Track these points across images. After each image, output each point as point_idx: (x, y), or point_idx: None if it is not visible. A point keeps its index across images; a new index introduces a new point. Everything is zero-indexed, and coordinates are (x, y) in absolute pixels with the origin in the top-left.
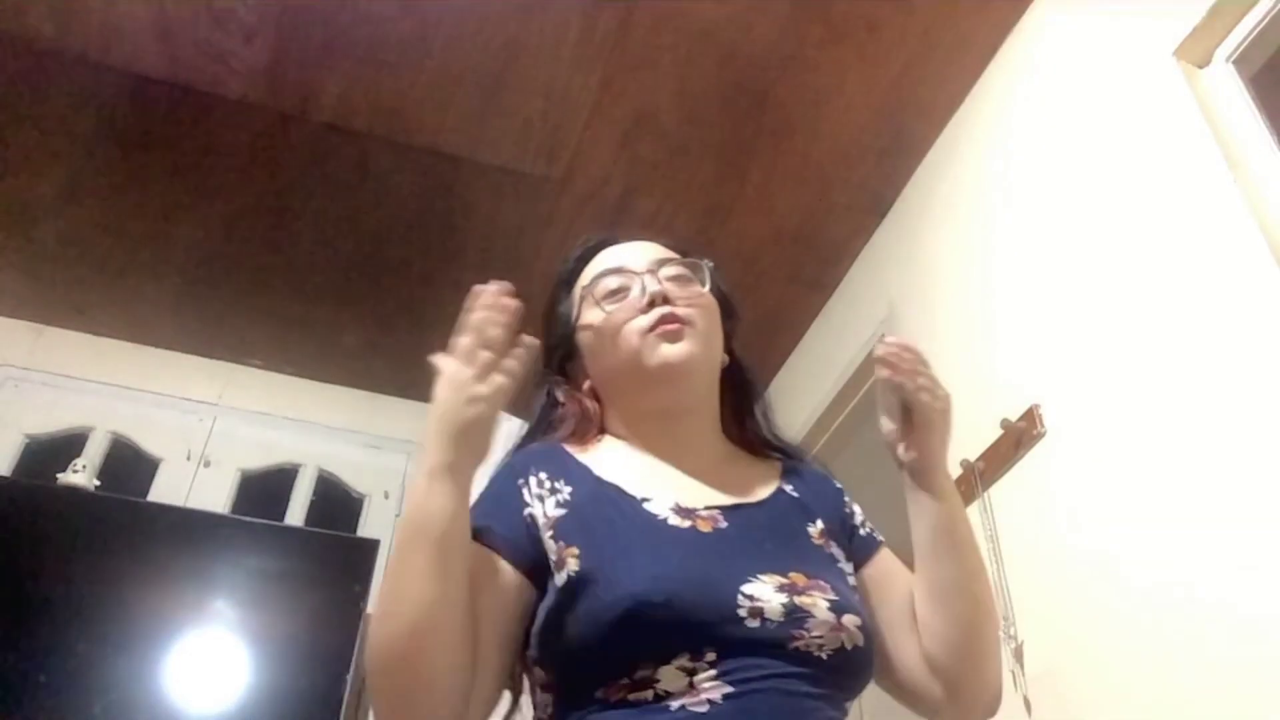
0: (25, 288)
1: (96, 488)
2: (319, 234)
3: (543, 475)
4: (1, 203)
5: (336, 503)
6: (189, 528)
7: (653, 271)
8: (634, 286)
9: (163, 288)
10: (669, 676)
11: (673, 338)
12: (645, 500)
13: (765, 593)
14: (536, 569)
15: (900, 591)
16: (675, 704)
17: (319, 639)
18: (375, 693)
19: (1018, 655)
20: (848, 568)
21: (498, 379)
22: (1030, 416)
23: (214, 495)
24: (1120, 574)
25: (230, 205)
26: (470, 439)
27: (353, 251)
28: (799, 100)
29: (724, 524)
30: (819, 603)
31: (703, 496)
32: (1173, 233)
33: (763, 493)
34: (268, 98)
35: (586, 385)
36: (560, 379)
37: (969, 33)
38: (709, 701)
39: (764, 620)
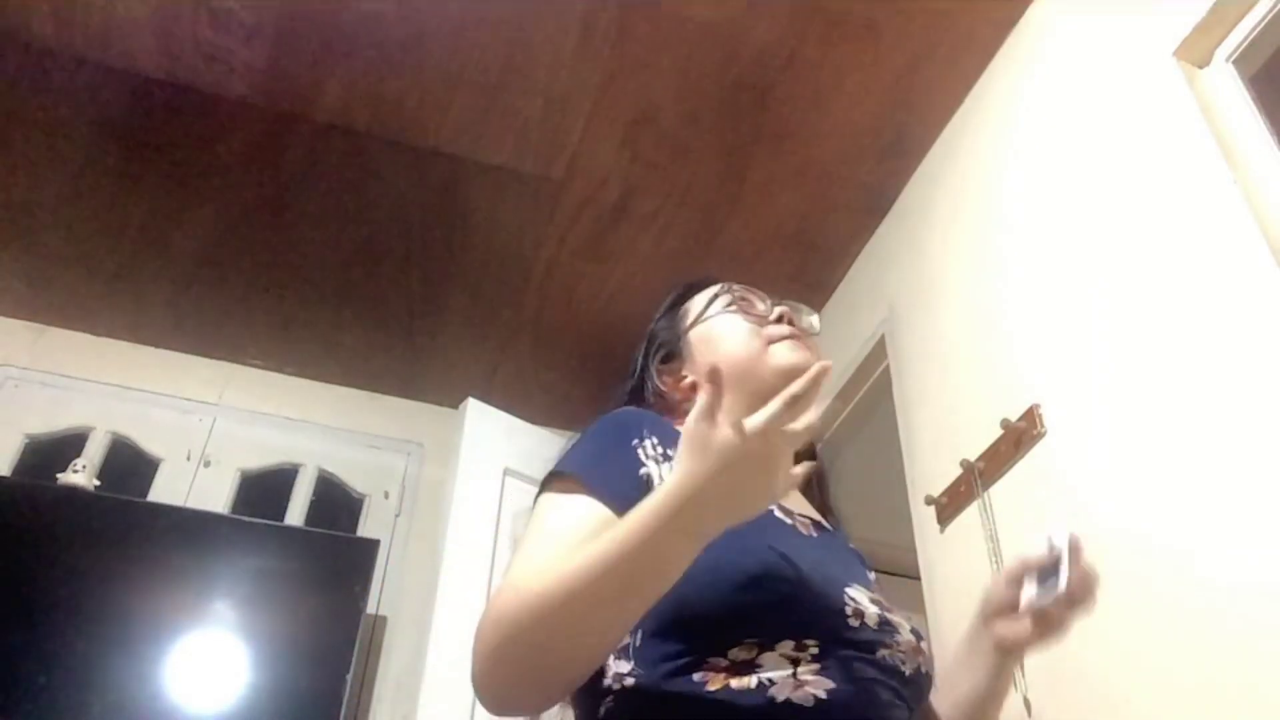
0: (25, 288)
1: (96, 488)
2: (319, 234)
3: (654, 439)
4: (2, 203)
5: (336, 503)
6: (189, 528)
7: (776, 302)
8: (759, 305)
9: (163, 288)
10: (772, 662)
11: (797, 347)
12: None
13: (862, 599)
14: None
15: None
16: (780, 696)
17: (319, 639)
18: (502, 662)
19: None
20: None
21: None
22: (1030, 416)
23: (214, 495)
24: (1120, 574)
25: (230, 205)
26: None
27: (353, 252)
28: (799, 100)
29: (814, 533)
30: (902, 622)
31: (797, 504)
32: (1173, 233)
33: (831, 526)
34: (268, 98)
35: (687, 380)
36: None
37: (969, 32)
38: (814, 697)
39: (863, 623)
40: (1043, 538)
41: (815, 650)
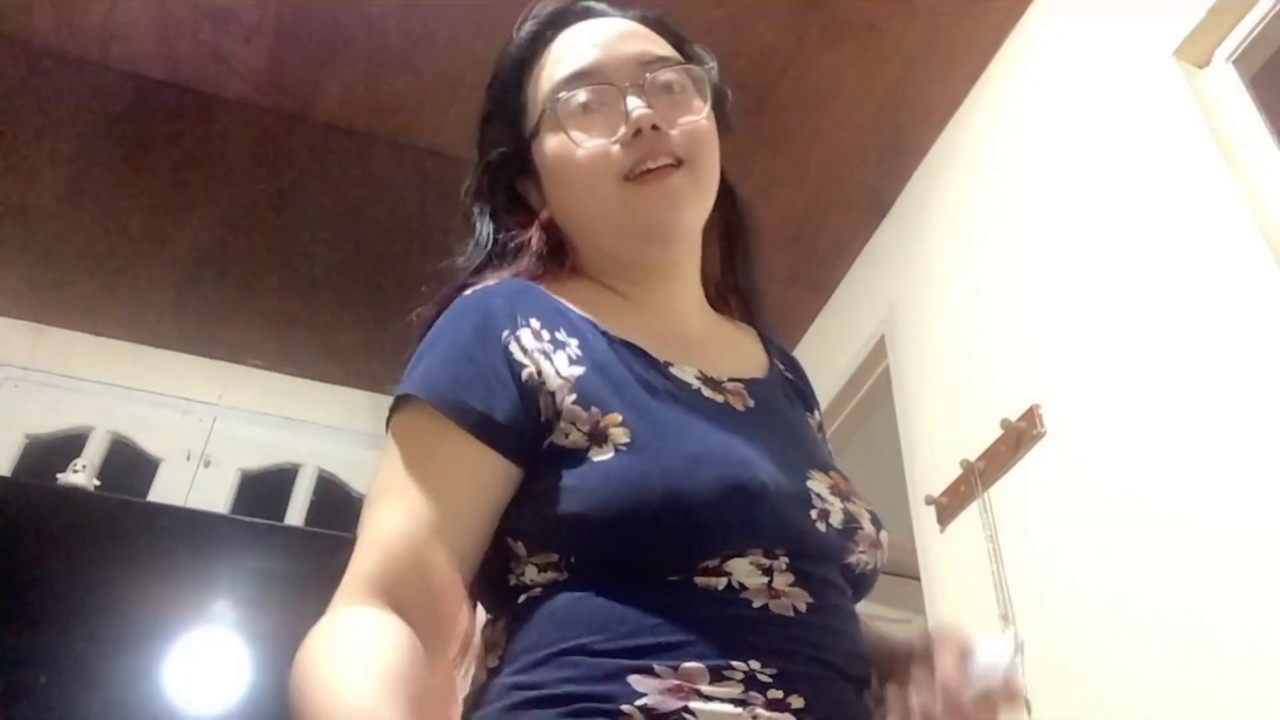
0: (25, 288)
1: (96, 488)
2: (319, 234)
3: (534, 324)
4: (2, 203)
5: (336, 503)
6: (189, 528)
7: (638, 83)
8: (611, 104)
9: (163, 288)
10: (742, 570)
11: (664, 189)
12: (669, 365)
13: (825, 493)
14: (534, 445)
15: None
16: (758, 602)
17: None
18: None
19: (1018, 655)
20: None
21: None
22: (1030, 416)
23: (214, 495)
24: (1120, 573)
25: (231, 205)
26: None
27: (353, 251)
28: (799, 100)
29: (751, 403)
30: (863, 513)
31: (718, 364)
32: (1172, 232)
33: (761, 366)
34: (268, 98)
35: (545, 215)
36: (509, 200)
37: (969, 33)
38: (794, 609)
39: (828, 525)
40: (995, 639)
41: (785, 560)
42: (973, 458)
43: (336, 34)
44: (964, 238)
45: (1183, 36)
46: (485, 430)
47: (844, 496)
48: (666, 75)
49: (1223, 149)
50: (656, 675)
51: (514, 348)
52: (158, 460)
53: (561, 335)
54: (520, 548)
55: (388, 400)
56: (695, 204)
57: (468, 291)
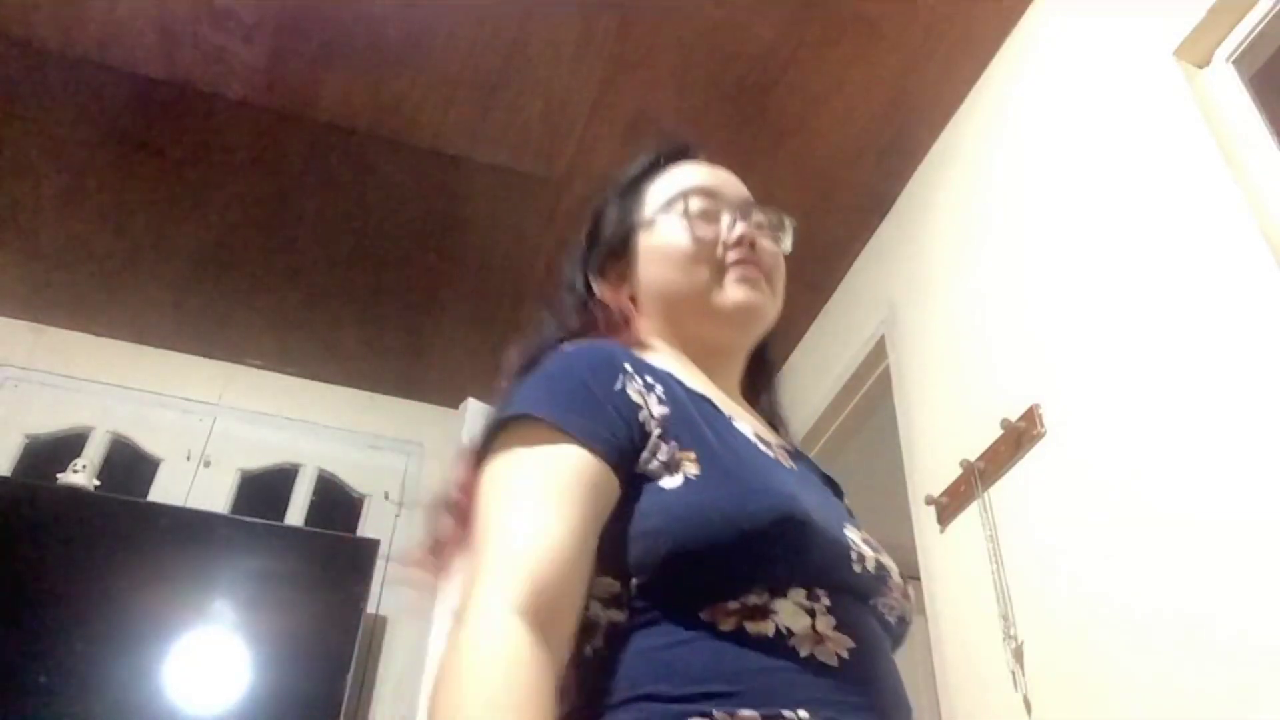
0: (25, 288)
1: (96, 488)
2: (319, 234)
3: (633, 369)
4: (2, 203)
5: (336, 503)
6: (189, 528)
7: (744, 212)
8: (724, 216)
9: (163, 288)
10: (788, 611)
11: (752, 284)
12: (732, 418)
13: (859, 541)
14: (628, 473)
15: None
16: (804, 650)
17: (319, 639)
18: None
19: (1018, 655)
20: None
21: None
22: (1030, 416)
23: (214, 495)
24: (1120, 574)
25: (230, 205)
26: None
27: (353, 251)
28: (799, 100)
29: (794, 465)
30: (892, 565)
31: (766, 433)
32: (1172, 233)
33: (791, 446)
34: (268, 98)
35: (625, 291)
36: (599, 278)
37: (969, 32)
38: (837, 656)
39: (864, 569)
40: None
41: (827, 601)
42: (973, 458)
43: (336, 34)
44: (964, 238)
45: (1183, 36)
46: (607, 449)
47: (875, 549)
48: (763, 217)
49: (1223, 149)
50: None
51: (627, 386)
52: (158, 460)
53: (651, 380)
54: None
55: (388, 400)
56: (770, 308)
57: (568, 346)
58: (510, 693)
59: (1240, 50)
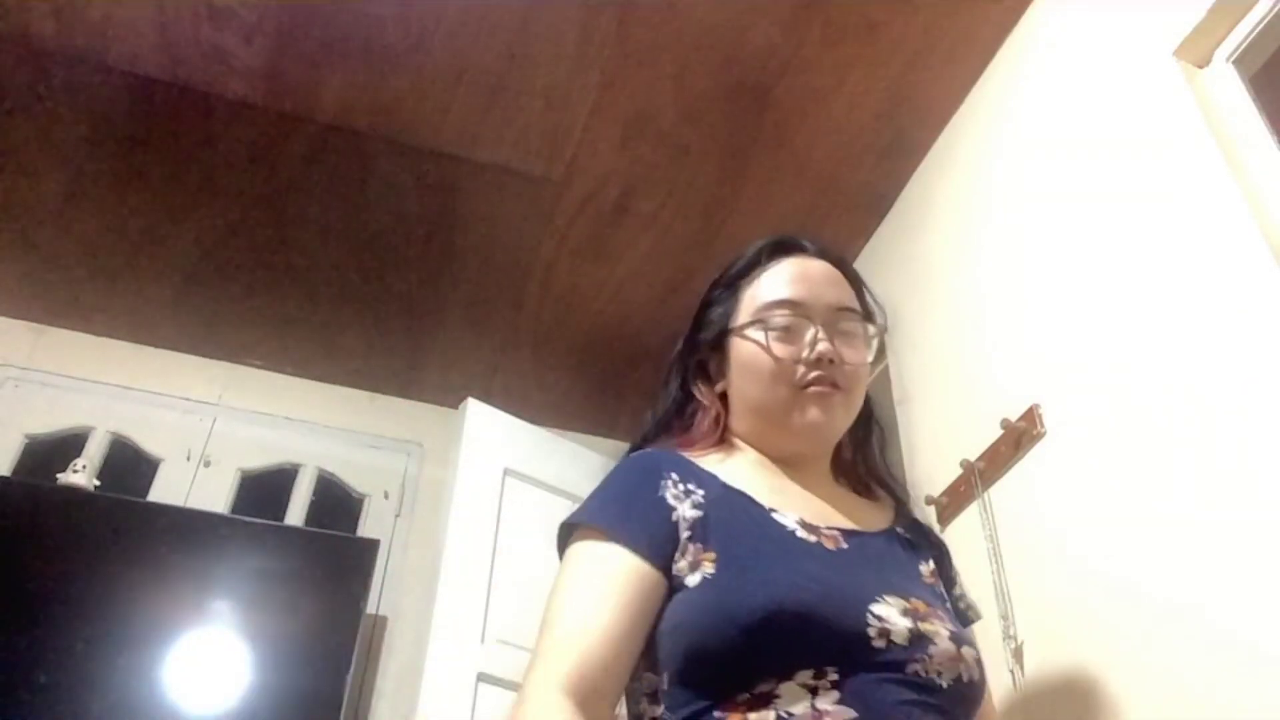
0: (25, 288)
1: (96, 488)
2: (319, 234)
3: (675, 476)
4: (1, 203)
5: (336, 503)
6: (189, 528)
7: (829, 322)
8: (806, 333)
9: (163, 288)
10: (790, 693)
11: (825, 405)
12: (773, 511)
13: (892, 615)
14: (669, 570)
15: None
16: None
17: (319, 639)
18: None
19: (1018, 655)
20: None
21: None
22: (1030, 416)
23: (214, 495)
24: (1120, 574)
25: (230, 205)
26: None
27: (353, 251)
28: (799, 100)
29: (845, 545)
30: (940, 631)
31: (825, 516)
32: (1172, 233)
33: (877, 526)
34: (268, 98)
35: (720, 387)
36: (698, 375)
37: (969, 33)
38: None
39: (890, 642)
40: None
41: (835, 678)
42: (973, 458)
43: (336, 34)
44: (964, 238)
45: (1183, 36)
46: (649, 550)
47: (918, 618)
48: (850, 325)
49: (1223, 149)
50: None
51: (666, 493)
52: (158, 460)
53: (692, 486)
54: (639, 667)
55: (388, 400)
56: (843, 420)
57: (636, 454)
58: None
59: (1240, 50)
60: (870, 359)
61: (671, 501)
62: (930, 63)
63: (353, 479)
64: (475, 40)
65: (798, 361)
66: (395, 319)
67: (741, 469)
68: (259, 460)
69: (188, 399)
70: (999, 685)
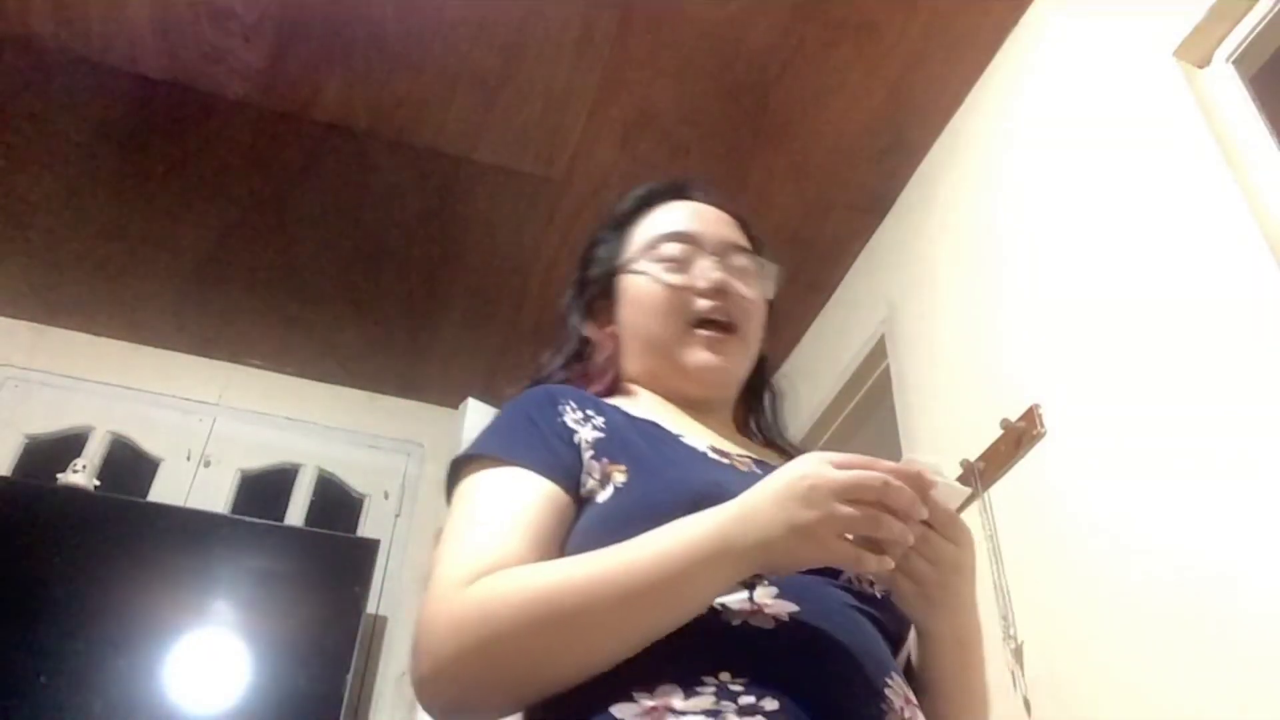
0: (25, 288)
1: (96, 488)
2: (319, 234)
3: (573, 403)
4: (2, 203)
5: (336, 503)
6: (189, 528)
7: (721, 255)
8: (697, 263)
9: (163, 288)
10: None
11: (717, 346)
12: (681, 435)
13: None
14: (577, 493)
15: None
16: (736, 620)
17: (319, 639)
18: (456, 680)
19: (1017, 655)
20: None
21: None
22: (1030, 416)
23: (214, 495)
24: (1120, 574)
25: (230, 205)
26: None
27: (353, 251)
28: (799, 100)
29: (757, 470)
30: None
31: (733, 447)
32: (1173, 233)
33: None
34: (268, 98)
35: (610, 329)
36: (588, 317)
37: (969, 33)
38: (775, 619)
39: None
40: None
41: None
42: (973, 458)
43: (336, 34)
44: (964, 238)
45: (1183, 36)
46: (550, 469)
47: None
48: (743, 261)
49: (1223, 149)
50: (635, 701)
51: (565, 417)
52: (158, 460)
53: (591, 412)
54: None
55: (388, 400)
56: (738, 364)
57: (527, 390)
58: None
59: (1240, 50)
60: (767, 296)
61: (572, 425)
62: (930, 63)
63: (353, 479)
64: (475, 40)
65: (689, 290)
66: (395, 319)
67: (643, 405)
68: (259, 460)
69: (188, 399)
70: (999, 685)
